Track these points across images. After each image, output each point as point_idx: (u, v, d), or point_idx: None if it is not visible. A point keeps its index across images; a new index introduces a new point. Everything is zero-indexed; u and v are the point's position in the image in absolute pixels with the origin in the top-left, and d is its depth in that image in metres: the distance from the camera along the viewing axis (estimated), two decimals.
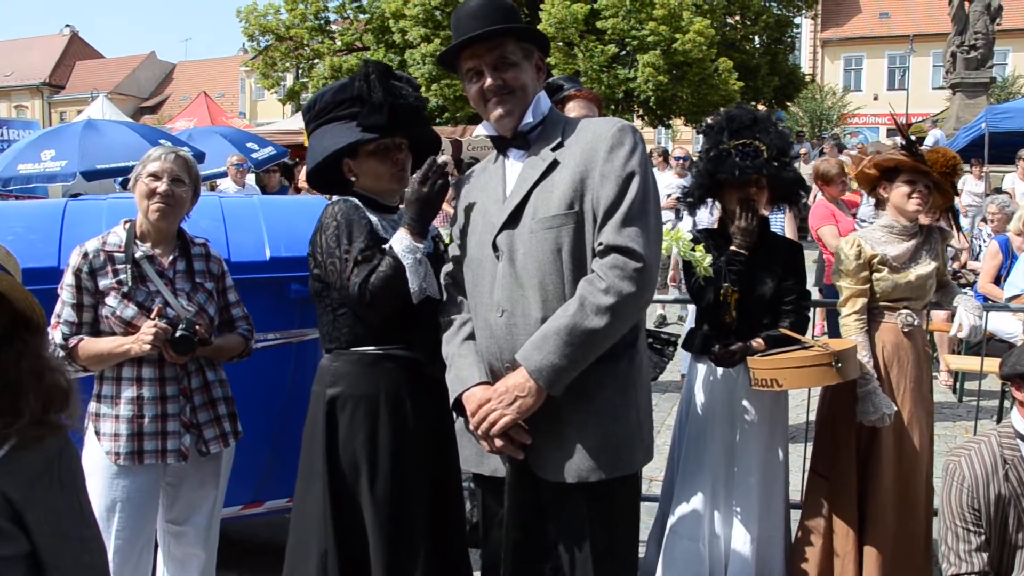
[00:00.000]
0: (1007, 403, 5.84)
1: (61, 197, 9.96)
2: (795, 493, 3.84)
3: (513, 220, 2.34)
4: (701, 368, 3.52)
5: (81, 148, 9.36)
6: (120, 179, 9.39)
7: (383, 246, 2.56)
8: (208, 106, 21.17)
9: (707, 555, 3.42)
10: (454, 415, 2.49)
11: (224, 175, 10.33)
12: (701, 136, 3.53)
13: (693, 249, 3.36)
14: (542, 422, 2.26)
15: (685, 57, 23.93)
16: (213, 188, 11.04)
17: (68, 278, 2.87)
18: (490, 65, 2.35)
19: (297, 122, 18.38)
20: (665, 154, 12.35)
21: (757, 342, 3.31)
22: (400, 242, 2.51)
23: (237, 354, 3.12)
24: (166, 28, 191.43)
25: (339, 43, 29.56)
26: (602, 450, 2.31)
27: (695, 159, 3.68)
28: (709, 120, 3.47)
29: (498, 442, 2.26)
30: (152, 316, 2.82)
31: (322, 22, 29.91)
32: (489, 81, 2.35)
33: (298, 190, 11.47)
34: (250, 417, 3.20)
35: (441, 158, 2.56)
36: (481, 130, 2.58)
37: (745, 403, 3.42)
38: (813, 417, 3.80)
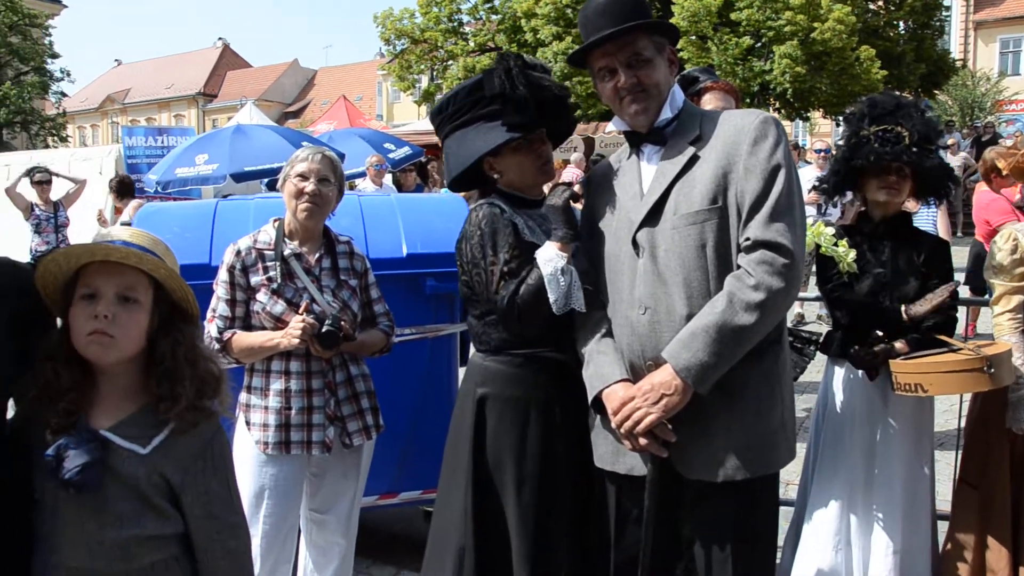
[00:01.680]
0: None
1: (213, 198, 10.61)
2: (943, 504, 3.64)
3: (653, 216, 2.31)
4: (839, 370, 3.39)
5: (231, 152, 9.86)
6: (266, 180, 9.87)
7: (531, 251, 2.52)
8: (347, 109, 21.90)
9: (843, 563, 3.28)
10: (592, 412, 2.47)
11: (363, 175, 10.67)
12: (841, 128, 3.39)
13: (836, 244, 3.23)
14: (686, 420, 2.23)
15: (824, 47, 23.01)
16: (352, 188, 11.43)
17: (222, 274, 3.02)
18: (623, 63, 2.32)
19: (430, 123, 18.80)
20: (797, 148, 11.95)
21: (900, 344, 3.15)
22: (545, 252, 2.46)
23: (379, 349, 3.20)
24: (308, 37, 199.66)
25: (472, 44, 29.99)
26: (748, 448, 2.28)
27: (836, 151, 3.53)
28: (851, 108, 3.33)
29: (642, 440, 2.24)
30: (300, 312, 2.91)
31: (455, 24, 30.41)
32: (623, 79, 2.33)
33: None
34: (386, 410, 3.29)
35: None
36: (614, 126, 2.55)
37: (886, 407, 3.26)
38: (964, 422, 3.59)
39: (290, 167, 3.08)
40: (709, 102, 3.31)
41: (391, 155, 12.00)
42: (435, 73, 31.59)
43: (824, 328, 3.94)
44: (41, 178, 9.13)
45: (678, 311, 2.26)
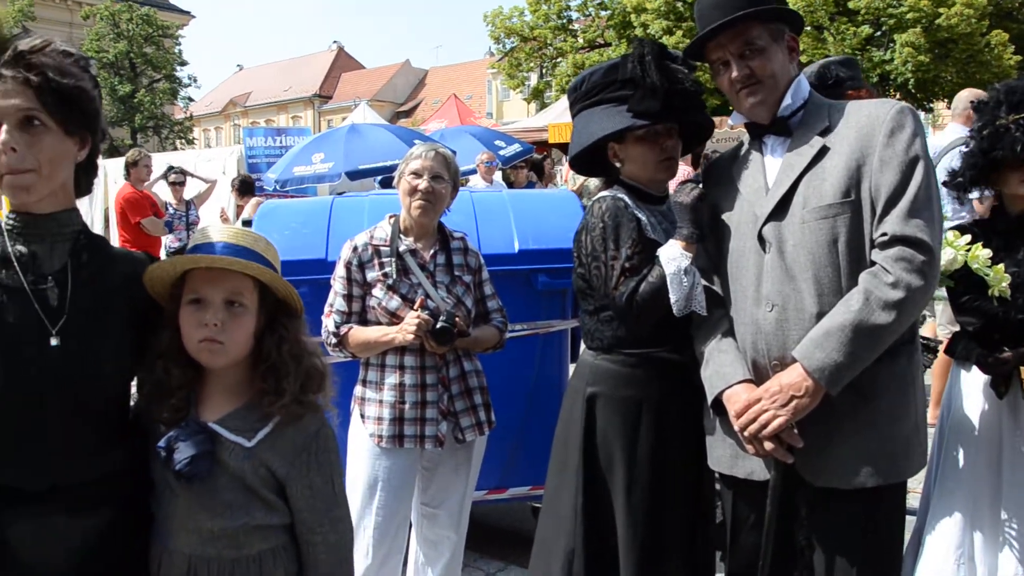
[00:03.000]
0: None
1: (328, 195, 10.91)
2: None
3: (780, 210, 2.23)
4: (965, 374, 3.19)
5: (346, 150, 10.11)
6: (379, 178, 10.09)
7: (653, 249, 2.47)
8: (458, 107, 22.18)
9: None
10: (710, 413, 2.40)
11: (473, 172, 10.77)
12: (974, 113, 3.17)
13: (990, 267, 2.98)
14: (814, 424, 2.14)
15: (950, 33, 21.91)
16: (463, 184, 11.55)
17: (340, 270, 3.07)
18: (735, 54, 2.26)
19: (541, 119, 18.82)
20: None
21: None
22: (669, 251, 2.41)
23: (492, 345, 3.20)
24: (419, 37, 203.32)
25: (581, 40, 29.92)
26: (880, 454, 2.18)
27: (967, 140, 3.31)
28: (984, 95, 3.12)
29: (768, 445, 2.15)
30: (415, 307, 2.94)
31: (564, 21, 30.41)
32: (736, 71, 2.26)
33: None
34: (497, 406, 3.30)
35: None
36: (734, 120, 2.46)
37: (1016, 415, 3.04)
38: None
39: (405, 164, 3.11)
40: None
41: (501, 152, 12.07)
42: (544, 71, 31.69)
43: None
44: (176, 179, 9.59)
45: (808, 309, 2.17)
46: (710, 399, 2.34)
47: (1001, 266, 2.98)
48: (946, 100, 25.04)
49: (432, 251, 3.13)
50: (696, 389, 2.55)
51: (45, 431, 1.70)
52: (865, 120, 2.19)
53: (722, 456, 2.40)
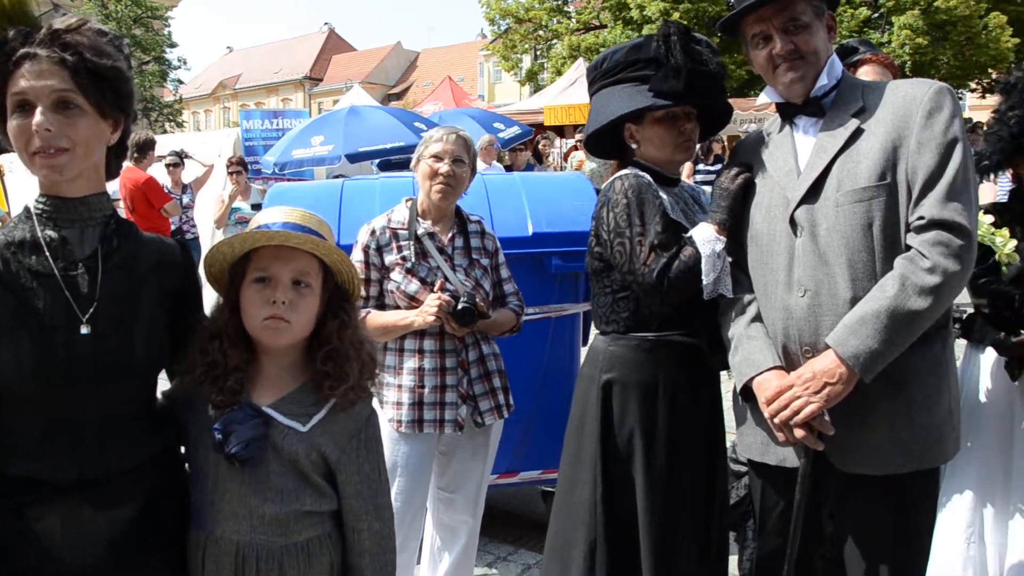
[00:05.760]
0: None
1: (325, 178, 10.83)
2: None
3: (813, 193, 2.18)
4: (978, 356, 3.20)
5: (345, 133, 10.04)
6: (376, 161, 10.02)
7: (675, 229, 2.44)
8: (452, 89, 22.11)
9: (976, 558, 3.11)
10: (739, 400, 2.35)
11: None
12: (999, 94, 3.15)
13: (993, 232, 3.01)
14: (846, 410, 2.10)
15: (948, 15, 21.96)
16: None
17: (357, 254, 3.03)
18: (779, 28, 2.19)
19: (536, 102, 18.73)
20: None
21: None
22: (703, 232, 2.37)
23: (508, 329, 3.17)
24: (410, 18, 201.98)
25: (576, 22, 29.79)
26: (913, 440, 2.14)
27: (986, 122, 3.29)
28: (1012, 76, 3.09)
29: (799, 432, 2.12)
30: (436, 289, 2.91)
31: (560, 2, 30.27)
32: (779, 45, 2.19)
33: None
34: (510, 389, 3.26)
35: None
36: (766, 96, 2.41)
37: None
38: None
39: (424, 147, 3.07)
40: (865, 76, 3.12)
41: (500, 134, 12.00)
42: (538, 53, 31.56)
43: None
44: (172, 160, 9.44)
45: (841, 294, 2.12)
46: (739, 386, 2.30)
47: (1005, 231, 2.99)
48: (944, 82, 25.07)
49: (450, 234, 3.10)
50: (709, 373, 2.53)
51: (74, 422, 1.66)
52: (902, 100, 2.14)
53: (753, 443, 2.37)
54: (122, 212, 8.08)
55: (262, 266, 1.81)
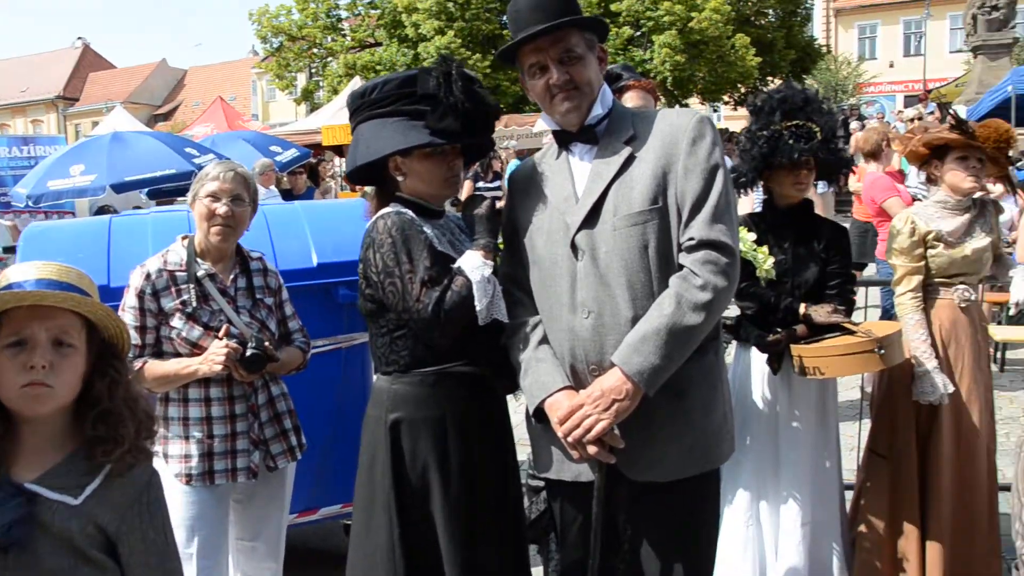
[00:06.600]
0: None
1: (88, 211, 10.03)
2: (847, 473, 3.79)
3: (591, 218, 2.27)
4: (747, 355, 3.50)
5: (109, 161, 9.29)
6: (146, 190, 9.40)
7: (443, 261, 2.44)
8: (224, 110, 21.25)
9: (755, 538, 3.41)
10: (532, 421, 2.41)
11: None
12: (749, 115, 3.45)
13: (755, 250, 3.30)
14: (633, 423, 2.21)
15: (701, 35, 23.80)
16: None
17: (131, 300, 2.84)
18: (555, 59, 2.27)
19: (314, 121, 18.36)
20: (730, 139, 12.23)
21: (801, 329, 3.26)
22: (471, 260, 2.39)
23: (295, 367, 3.09)
24: (175, 34, 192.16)
25: (351, 40, 29.58)
26: (695, 446, 2.29)
27: (739, 138, 3.60)
28: (758, 100, 3.40)
29: (591, 448, 2.19)
30: (220, 336, 2.78)
31: (334, 20, 29.96)
32: (556, 76, 2.27)
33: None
34: (302, 425, 3.17)
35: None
36: (543, 124, 2.48)
37: (790, 389, 3.39)
38: (865, 391, 3.74)
39: (199, 185, 2.90)
40: (629, 100, 3.31)
41: (278, 158, 11.64)
42: (314, 71, 31.05)
43: None
44: None
45: (623, 314, 2.23)
46: (532, 408, 2.35)
47: (765, 248, 3.29)
48: (699, 96, 27.15)
49: (232, 275, 2.96)
50: (496, 397, 2.58)
51: None
52: (668, 129, 2.28)
53: (548, 462, 2.44)
54: None
55: (16, 329, 1.65)
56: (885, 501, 3.51)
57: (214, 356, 2.74)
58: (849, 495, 3.74)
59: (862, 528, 3.55)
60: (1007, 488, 3.27)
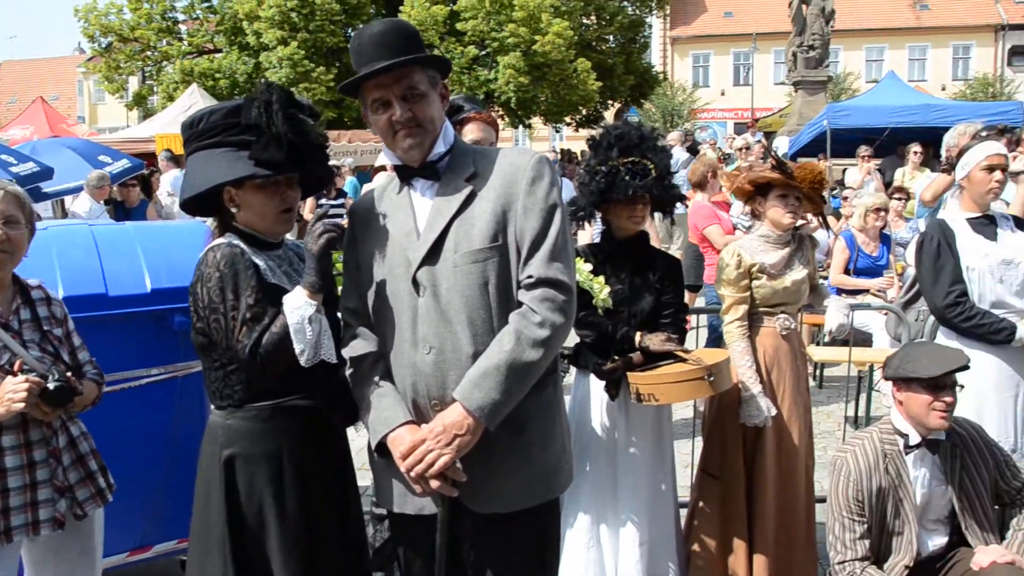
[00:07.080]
0: (864, 392, 6.29)
1: None
2: (682, 490, 3.97)
3: (433, 254, 2.28)
4: (585, 381, 3.60)
5: None
6: None
7: (275, 294, 2.39)
8: (46, 113, 19.98)
9: (596, 560, 3.52)
10: (375, 456, 2.40)
11: (76, 191, 9.72)
12: (588, 148, 3.57)
13: (591, 279, 3.40)
14: (474, 457, 2.23)
15: (544, 58, 24.37)
16: (65, 209, 10.37)
17: None
18: (398, 96, 2.28)
19: (147, 128, 17.37)
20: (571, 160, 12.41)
21: (636, 356, 3.37)
22: (294, 299, 2.33)
23: (91, 401, 2.82)
24: None
25: (188, 45, 28.42)
26: (534, 479, 2.34)
27: (578, 172, 3.72)
28: (596, 135, 3.52)
29: (434, 483, 2.21)
30: (15, 372, 2.52)
31: (170, 22, 28.69)
32: (398, 112, 2.28)
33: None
34: (135, 460, 3.02)
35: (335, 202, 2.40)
36: (385, 158, 2.49)
37: (627, 414, 3.52)
38: (698, 410, 3.91)
39: None
40: (470, 132, 3.35)
41: (108, 168, 10.92)
42: (147, 75, 29.61)
43: None
44: None
45: (464, 349, 2.26)
46: (374, 444, 2.35)
47: (602, 278, 3.42)
48: (542, 117, 27.81)
49: (14, 306, 2.71)
50: (333, 428, 2.56)
51: None
52: (508, 168, 2.33)
53: (390, 496, 2.43)
54: None
55: None
56: (716, 521, 3.70)
57: (12, 394, 2.47)
58: (684, 512, 3.92)
59: (695, 547, 3.73)
60: (823, 500, 3.55)
